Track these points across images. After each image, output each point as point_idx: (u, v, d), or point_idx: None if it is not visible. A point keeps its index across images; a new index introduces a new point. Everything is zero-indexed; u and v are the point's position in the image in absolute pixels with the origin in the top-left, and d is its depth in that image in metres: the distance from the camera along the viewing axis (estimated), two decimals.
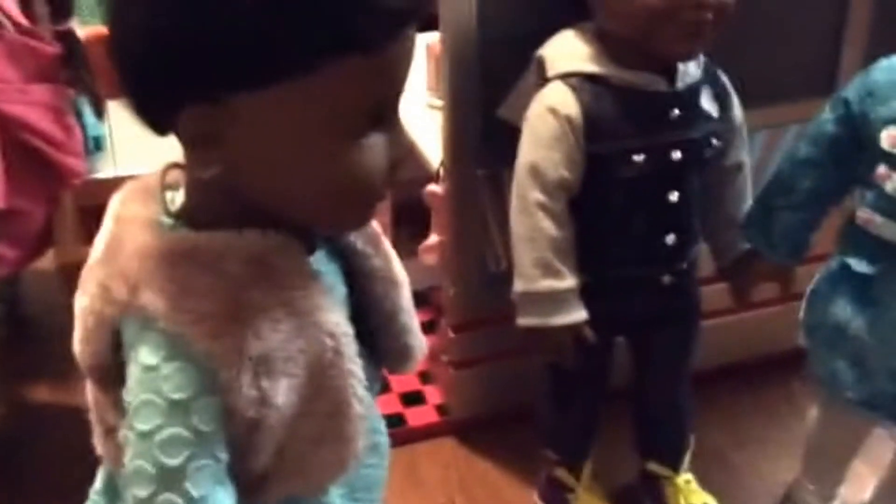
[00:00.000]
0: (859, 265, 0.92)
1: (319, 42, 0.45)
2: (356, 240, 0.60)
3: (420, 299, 1.43)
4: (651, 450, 1.15)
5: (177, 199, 0.54)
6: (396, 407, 1.32)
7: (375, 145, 0.50)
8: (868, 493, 1.15)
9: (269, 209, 0.51)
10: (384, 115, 0.50)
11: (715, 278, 1.08)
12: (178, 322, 0.48)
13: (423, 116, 1.31)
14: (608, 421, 1.14)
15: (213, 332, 0.48)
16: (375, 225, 0.61)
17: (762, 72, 1.16)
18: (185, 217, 0.52)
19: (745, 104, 1.04)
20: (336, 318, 0.52)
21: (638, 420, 1.15)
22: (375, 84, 0.48)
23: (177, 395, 0.47)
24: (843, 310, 0.95)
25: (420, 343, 0.63)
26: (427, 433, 1.30)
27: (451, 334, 1.27)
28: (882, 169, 0.87)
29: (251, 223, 0.50)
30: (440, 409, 1.33)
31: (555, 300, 0.94)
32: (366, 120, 0.49)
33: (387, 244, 0.62)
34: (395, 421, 1.29)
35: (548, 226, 0.92)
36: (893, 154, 0.85)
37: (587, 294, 0.96)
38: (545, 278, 0.93)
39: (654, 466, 1.15)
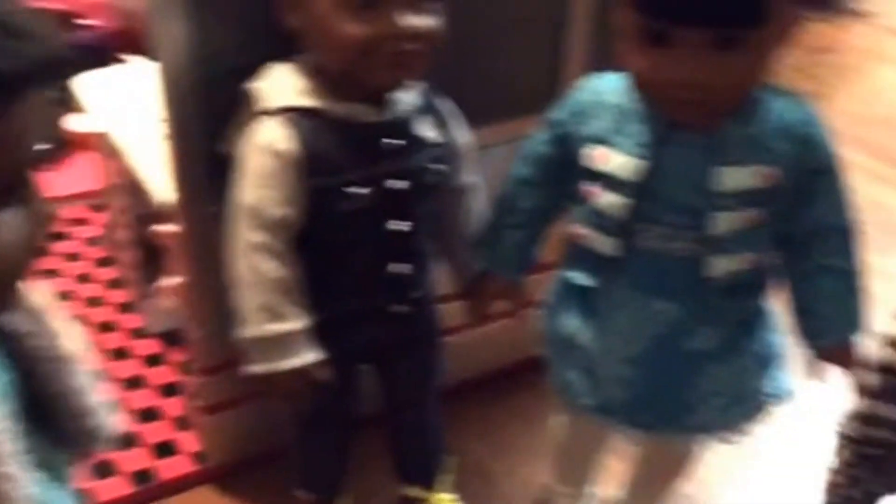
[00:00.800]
0: (580, 278, 0.96)
1: None
2: (20, 320, 0.54)
3: (175, 339, 1.39)
4: (406, 473, 1.15)
5: None
6: (147, 461, 1.25)
7: (6, 223, 0.45)
8: (620, 488, 1.20)
9: None
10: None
11: (455, 295, 1.09)
12: None
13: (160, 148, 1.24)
14: (365, 450, 1.13)
15: None
16: (39, 299, 0.55)
17: (494, 90, 1.19)
18: None
19: (481, 121, 1.06)
20: None
21: (391, 445, 1.14)
22: None
23: None
24: (570, 322, 0.98)
25: (104, 422, 0.58)
26: (182, 484, 1.24)
27: (201, 378, 1.22)
28: (591, 186, 0.90)
29: None
30: (197, 456, 1.27)
31: (282, 344, 0.90)
32: None
33: (58, 319, 0.56)
34: (143, 477, 1.21)
35: (270, 267, 0.89)
36: (600, 172, 0.89)
37: (322, 330, 0.94)
38: (270, 322, 0.89)
39: (409, 490, 1.15)
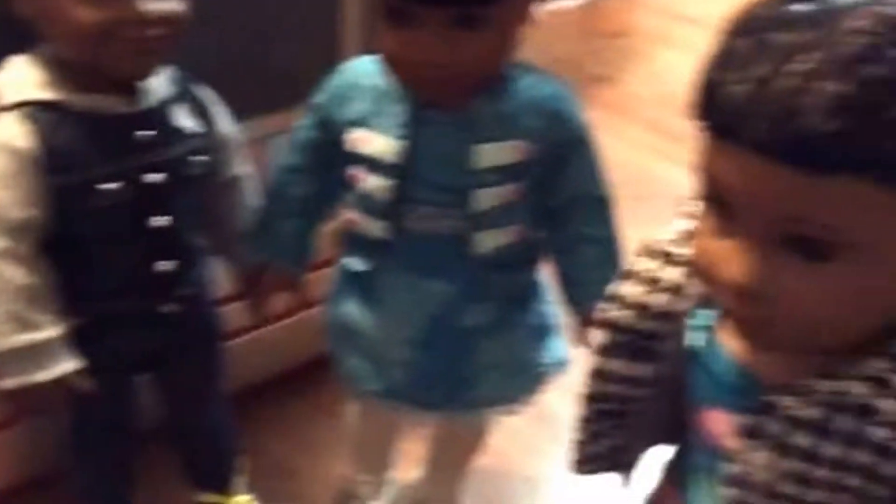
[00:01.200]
0: (356, 264, 0.95)
1: None
2: None
3: None
4: (198, 480, 1.11)
5: None
6: None
7: None
8: (420, 470, 1.21)
9: None
10: None
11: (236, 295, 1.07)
12: None
13: None
14: (155, 460, 1.08)
15: None
16: None
17: (266, 80, 1.16)
18: None
19: (253, 113, 1.03)
20: None
21: (179, 453, 1.10)
22: None
23: None
24: (349, 309, 0.98)
25: None
26: None
27: None
28: (356, 170, 0.90)
29: None
30: None
31: (35, 355, 0.85)
32: None
33: None
34: None
35: (15, 274, 0.83)
36: (362, 155, 0.88)
37: (84, 337, 0.89)
38: (21, 332, 0.84)
39: (204, 496, 1.11)
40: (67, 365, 0.87)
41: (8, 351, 0.84)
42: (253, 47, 1.14)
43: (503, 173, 0.87)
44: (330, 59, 1.22)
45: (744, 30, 0.48)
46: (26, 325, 0.84)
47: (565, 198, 0.91)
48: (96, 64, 0.83)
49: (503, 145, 0.86)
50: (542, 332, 1.00)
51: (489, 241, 0.90)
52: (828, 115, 0.42)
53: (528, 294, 0.98)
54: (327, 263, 1.03)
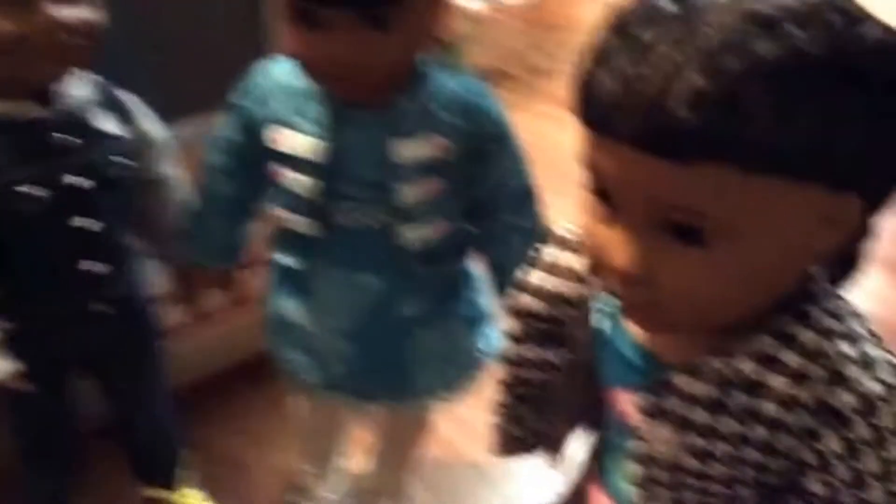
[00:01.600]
0: (289, 260, 0.96)
1: None
2: None
3: None
4: (144, 475, 1.13)
5: None
6: None
7: None
8: (368, 459, 1.23)
9: None
10: None
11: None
12: None
13: None
14: (102, 457, 1.08)
15: None
16: None
17: (195, 80, 1.16)
18: None
19: (184, 113, 1.02)
20: None
21: (125, 449, 1.11)
22: None
23: None
24: (285, 303, 0.99)
25: None
26: None
27: None
28: (278, 168, 0.91)
29: None
30: None
31: None
32: None
33: None
34: None
35: None
36: (285, 154, 0.89)
37: (18, 338, 0.89)
38: None
39: (150, 491, 1.12)
40: (3, 367, 0.87)
41: None
42: (184, 48, 1.14)
43: (425, 168, 0.89)
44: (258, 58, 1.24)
45: (614, 26, 0.49)
46: None
47: (490, 190, 0.93)
48: (9, 71, 0.83)
49: (422, 141, 0.87)
50: (475, 321, 1.02)
51: (416, 234, 0.91)
52: (689, 107, 0.44)
53: (460, 285, 1.00)
54: (266, 260, 1.03)
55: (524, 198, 0.95)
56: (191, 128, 1.13)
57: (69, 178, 0.88)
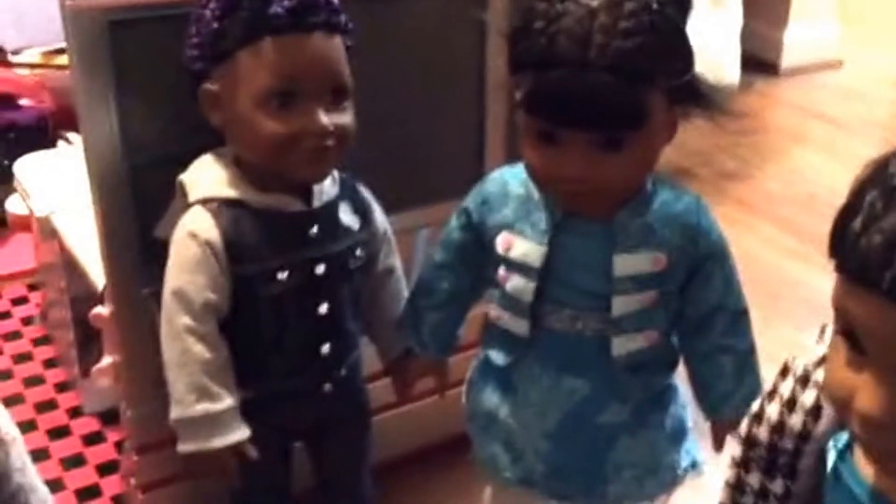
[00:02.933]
0: (498, 357, 1.01)
1: None
2: None
3: (113, 417, 1.41)
4: None
5: None
6: None
7: None
8: None
9: None
10: None
11: (383, 373, 1.14)
12: None
13: None
14: None
15: None
16: None
17: (417, 176, 1.25)
18: None
19: (403, 206, 1.11)
20: None
21: None
22: None
23: None
24: (490, 398, 1.03)
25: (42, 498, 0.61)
26: None
27: (136, 457, 1.23)
28: (502, 271, 0.96)
29: None
30: None
31: (213, 423, 0.94)
32: None
33: None
34: None
35: (199, 350, 0.93)
36: (507, 258, 0.95)
37: (251, 408, 0.98)
38: (200, 402, 0.93)
39: None
40: (239, 434, 0.95)
41: (189, 419, 0.94)
42: (406, 151, 1.24)
43: (642, 281, 0.92)
44: (473, 161, 1.32)
45: (876, 180, 0.51)
46: (206, 396, 0.93)
47: (703, 308, 0.95)
48: (276, 168, 0.93)
49: (642, 256, 0.91)
50: (677, 433, 1.02)
51: (627, 344, 0.94)
52: None
53: (664, 395, 1.01)
54: (472, 346, 1.09)
55: (737, 319, 0.96)
56: (407, 220, 1.21)
57: (317, 268, 0.97)
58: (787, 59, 3.09)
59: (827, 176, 2.45)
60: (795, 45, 3.08)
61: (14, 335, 1.69)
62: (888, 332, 0.50)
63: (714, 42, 2.27)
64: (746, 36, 2.51)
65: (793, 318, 1.78)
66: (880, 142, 2.72)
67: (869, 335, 0.52)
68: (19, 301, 1.78)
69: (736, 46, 2.41)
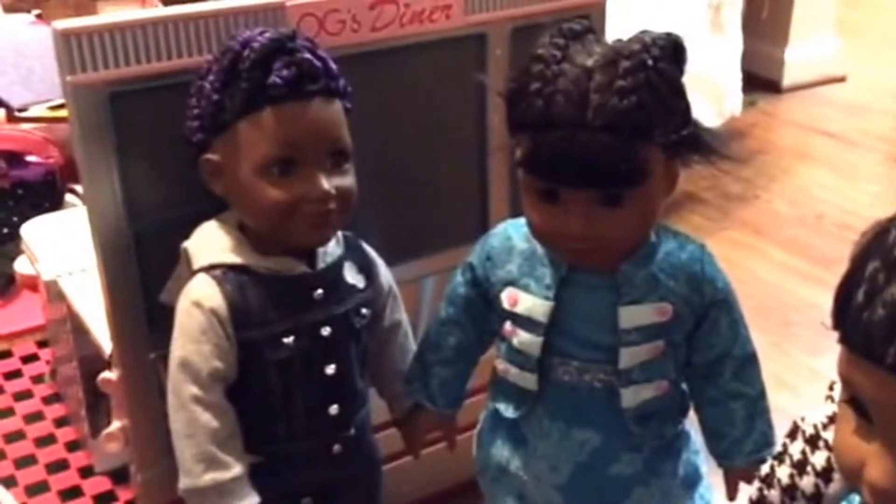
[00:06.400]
0: (507, 411, 1.00)
1: None
2: None
3: (125, 477, 1.40)
4: None
5: None
6: None
7: None
8: None
9: None
10: None
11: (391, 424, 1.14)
12: None
13: None
14: None
15: None
16: None
17: (421, 228, 1.26)
18: None
19: (407, 256, 1.11)
20: None
21: None
22: None
23: None
24: (501, 451, 1.02)
25: None
26: None
27: None
28: (508, 326, 0.96)
29: None
30: None
31: (221, 492, 0.94)
32: None
33: None
34: None
35: (206, 419, 0.93)
36: (513, 312, 0.95)
37: (261, 472, 0.97)
38: (209, 472, 0.93)
39: None
40: (248, 501, 0.95)
41: (198, 489, 0.93)
42: (410, 204, 1.24)
43: (648, 332, 0.91)
44: (477, 210, 1.32)
45: (877, 250, 0.51)
46: (215, 465, 0.93)
47: (710, 356, 0.95)
48: (280, 234, 0.93)
49: (647, 307, 0.91)
50: (691, 480, 1.01)
51: (636, 394, 0.94)
52: None
53: (676, 443, 1.00)
54: (479, 391, 1.08)
55: (746, 365, 0.96)
56: (411, 270, 1.21)
57: (323, 330, 0.96)
58: (789, 77, 3.09)
59: (834, 193, 2.44)
60: (797, 62, 3.09)
61: (25, 395, 1.69)
62: (894, 404, 0.49)
63: (716, 70, 2.27)
64: (748, 55, 2.52)
65: (805, 343, 1.77)
66: (886, 156, 2.72)
67: (875, 407, 0.51)
68: (29, 359, 1.78)
69: (737, 72, 2.41)
